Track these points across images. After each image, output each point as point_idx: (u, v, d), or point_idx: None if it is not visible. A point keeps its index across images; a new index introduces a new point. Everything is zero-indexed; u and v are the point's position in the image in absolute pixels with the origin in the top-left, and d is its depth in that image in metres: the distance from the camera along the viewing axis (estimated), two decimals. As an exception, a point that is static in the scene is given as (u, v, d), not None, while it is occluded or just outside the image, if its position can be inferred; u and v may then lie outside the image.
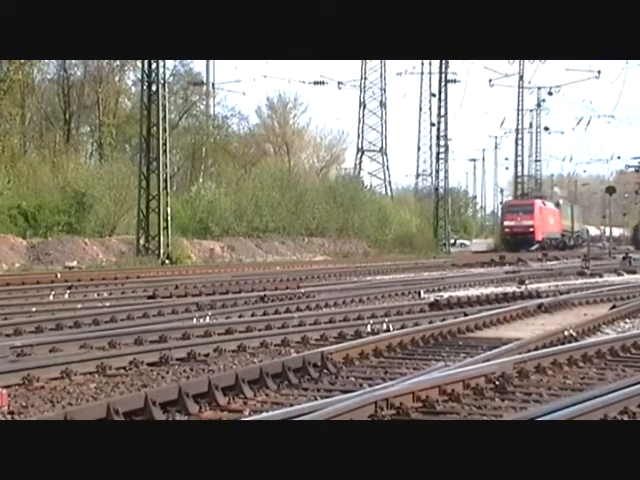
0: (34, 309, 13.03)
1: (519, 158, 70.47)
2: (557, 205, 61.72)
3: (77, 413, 5.60)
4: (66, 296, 15.95)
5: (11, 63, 38.14)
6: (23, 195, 31.86)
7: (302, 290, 16.58)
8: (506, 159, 78.60)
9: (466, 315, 11.91)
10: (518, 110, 68.44)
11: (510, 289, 17.38)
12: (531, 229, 53.23)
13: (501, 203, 70.44)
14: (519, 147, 70.14)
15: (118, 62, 44.58)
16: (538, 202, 57.15)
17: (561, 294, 15.82)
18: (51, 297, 15.51)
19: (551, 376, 7.76)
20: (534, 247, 52.12)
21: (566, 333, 10.04)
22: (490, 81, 62.23)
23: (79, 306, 13.65)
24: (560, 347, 8.91)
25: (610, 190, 48.90)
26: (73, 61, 42.79)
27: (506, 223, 54.31)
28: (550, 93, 65.37)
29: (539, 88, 68.75)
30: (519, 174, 70.23)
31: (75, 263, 27.69)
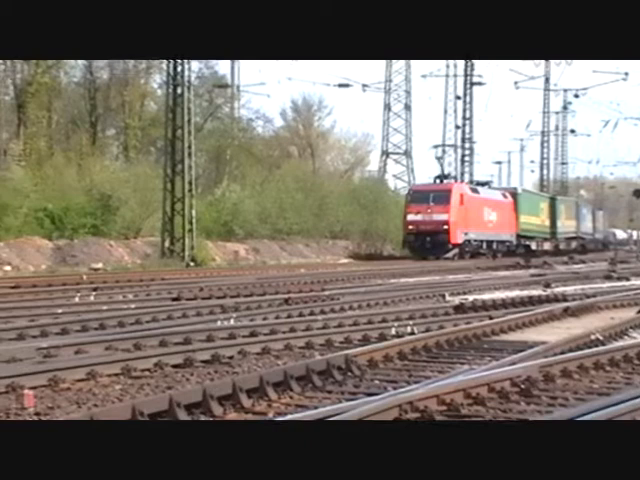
0: (60, 311, 13.10)
1: (545, 161, 70.13)
2: (513, 195, 45.12)
3: (102, 414, 5.61)
4: (92, 298, 16.03)
5: (38, 66, 38.50)
6: (49, 197, 32.12)
7: (326, 292, 16.56)
8: (532, 162, 78.07)
9: (491, 318, 11.83)
10: (544, 112, 68.13)
11: (536, 292, 17.25)
12: (444, 226, 36.75)
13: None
14: (545, 150, 69.82)
15: (144, 65, 44.90)
16: (460, 187, 39.94)
17: (587, 297, 15.67)
18: (77, 299, 15.60)
19: (577, 380, 7.69)
20: (450, 254, 36.86)
21: (592, 337, 9.95)
22: (516, 83, 61.98)
23: (104, 308, 13.72)
24: (586, 351, 8.82)
25: (638, 193, 47.07)
26: (99, 64, 43.15)
27: (409, 217, 37.65)
28: (577, 95, 64.99)
29: (565, 90, 68.39)
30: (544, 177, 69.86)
31: (100, 265, 27.86)
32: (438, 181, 40.78)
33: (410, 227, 37.61)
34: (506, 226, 42.94)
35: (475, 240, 39.43)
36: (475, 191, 41.21)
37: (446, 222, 36.84)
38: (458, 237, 37.42)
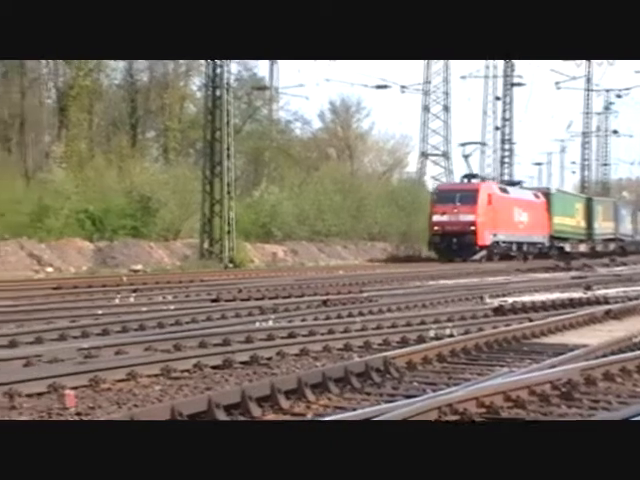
0: (100, 312, 13.22)
1: (586, 162, 69.43)
2: (546, 195, 43.37)
3: (142, 415, 5.64)
4: (131, 299, 16.15)
5: (80, 69, 38.98)
6: (90, 199, 32.48)
7: (364, 294, 16.53)
8: (573, 163, 77.34)
9: (531, 321, 11.73)
10: (585, 113, 67.45)
11: (576, 295, 17.06)
12: (471, 227, 35.41)
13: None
14: (586, 151, 69.12)
15: (184, 67, 45.25)
16: (488, 186, 38.34)
17: (630, 300, 15.47)
18: (117, 300, 15.73)
19: (620, 384, 7.58)
20: (477, 256, 35.80)
21: (635, 340, 9.82)
22: (557, 84, 61.46)
23: (144, 309, 13.82)
24: (629, 354, 8.70)
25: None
26: (139, 67, 43.58)
27: (435, 218, 36.29)
28: (619, 96, 64.33)
29: (607, 91, 67.67)
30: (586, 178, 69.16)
31: (140, 266, 28.09)
32: (465, 180, 39.40)
33: (436, 228, 36.24)
34: (538, 227, 41.26)
35: (504, 242, 37.93)
36: (504, 191, 39.68)
37: (473, 223, 35.49)
38: (486, 238, 36.02)
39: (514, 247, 39.02)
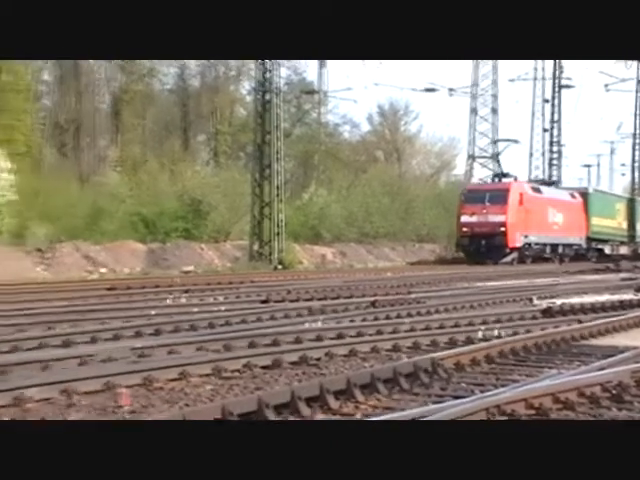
0: (153, 312, 13.41)
1: (636, 164, 68.25)
2: (583, 195, 41.51)
3: (193, 414, 5.75)
4: (183, 300, 16.35)
5: (133, 74, 39.58)
6: (144, 202, 32.93)
7: (412, 296, 16.53)
8: (622, 165, 76.10)
9: (580, 322, 11.65)
10: (636, 115, 66.33)
11: (627, 297, 16.85)
12: (501, 228, 33.86)
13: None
14: (636, 152, 67.96)
15: (234, 72, 45.67)
16: (520, 185, 36.62)
17: (682, 303, 15.23)
18: (169, 301, 15.94)
19: (671, 386, 7.51)
20: (508, 258, 34.19)
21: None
22: (606, 86, 60.60)
23: (195, 310, 13.99)
24: (680, 357, 8.61)
25: None
26: (191, 72, 44.12)
27: (463, 219, 34.79)
28: (671, 96, 62.97)
29: (659, 91, 66.34)
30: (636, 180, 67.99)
31: (191, 268, 28.40)
32: (496, 180, 38.09)
33: (464, 229, 34.63)
34: (574, 228, 39.52)
35: (536, 243, 36.21)
36: (537, 190, 37.91)
37: (503, 224, 33.85)
38: (516, 240, 34.36)
39: (548, 249, 37.51)
